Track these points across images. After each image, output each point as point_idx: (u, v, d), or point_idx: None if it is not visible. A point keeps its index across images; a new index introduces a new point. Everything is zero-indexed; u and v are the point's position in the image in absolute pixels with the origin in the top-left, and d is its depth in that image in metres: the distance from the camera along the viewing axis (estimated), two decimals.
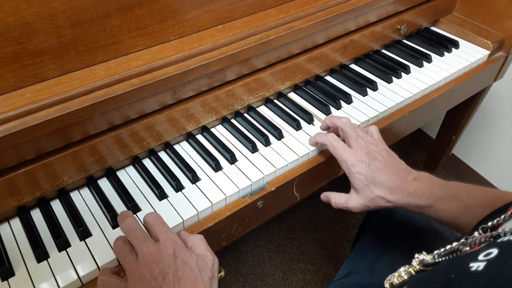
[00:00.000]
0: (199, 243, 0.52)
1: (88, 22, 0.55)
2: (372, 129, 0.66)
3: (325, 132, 0.71)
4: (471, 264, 0.31)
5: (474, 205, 0.56)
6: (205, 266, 0.48)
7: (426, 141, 1.57)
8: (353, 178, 0.60)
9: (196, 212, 0.59)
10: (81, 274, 0.52)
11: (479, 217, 0.54)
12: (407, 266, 0.44)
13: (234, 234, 0.64)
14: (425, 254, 0.43)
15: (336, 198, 0.65)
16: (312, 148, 0.69)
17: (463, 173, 1.49)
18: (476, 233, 0.40)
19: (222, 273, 0.72)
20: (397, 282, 0.45)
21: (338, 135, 0.66)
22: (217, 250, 0.55)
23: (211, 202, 0.60)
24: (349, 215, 1.42)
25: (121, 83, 0.56)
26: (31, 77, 0.53)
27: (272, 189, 0.64)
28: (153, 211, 0.59)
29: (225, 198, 0.61)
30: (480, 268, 0.30)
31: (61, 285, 0.51)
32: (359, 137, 0.63)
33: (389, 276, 0.44)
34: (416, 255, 0.44)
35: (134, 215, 0.57)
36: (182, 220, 0.58)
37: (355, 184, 0.61)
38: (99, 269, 0.53)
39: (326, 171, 0.71)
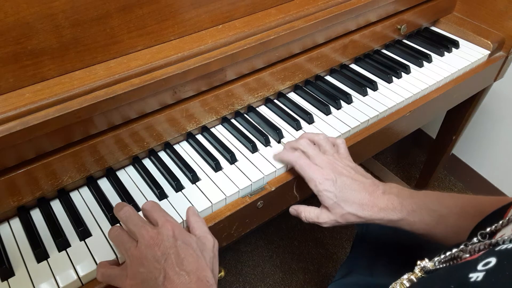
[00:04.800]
0: (199, 226, 0.53)
1: (88, 22, 0.55)
2: (339, 142, 0.65)
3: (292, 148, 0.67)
4: (471, 275, 0.31)
5: (447, 214, 0.55)
6: (205, 247, 0.49)
7: (426, 141, 1.57)
8: (321, 196, 0.59)
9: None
10: (81, 274, 0.52)
11: (453, 226, 0.54)
12: (410, 273, 0.44)
13: (234, 234, 0.64)
14: (427, 261, 0.43)
15: (306, 213, 0.62)
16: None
17: (463, 173, 1.49)
18: (475, 239, 0.40)
19: (222, 273, 0.72)
20: None
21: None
22: None
23: (211, 202, 0.60)
24: None
25: (121, 83, 0.56)
26: (31, 77, 0.53)
27: (272, 189, 0.64)
28: None
29: (225, 198, 0.61)
30: (479, 279, 0.30)
31: (61, 285, 0.50)
32: (323, 153, 0.62)
33: (392, 284, 0.44)
34: (418, 262, 0.44)
35: None
36: (182, 220, 0.58)
37: (324, 202, 0.59)
38: None
39: None
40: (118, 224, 0.57)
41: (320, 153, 0.62)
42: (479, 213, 0.51)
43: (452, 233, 0.55)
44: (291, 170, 0.67)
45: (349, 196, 0.58)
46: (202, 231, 0.52)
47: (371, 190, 0.58)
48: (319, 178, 0.59)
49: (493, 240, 0.36)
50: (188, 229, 0.54)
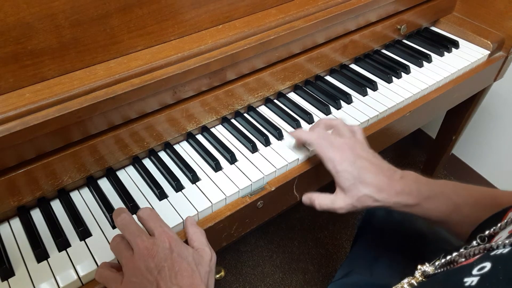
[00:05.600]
0: (198, 237, 0.52)
1: (88, 22, 0.55)
2: (356, 128, 0.65)
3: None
4: (465, 280, 0.31)
5: (462, 204, 0.55)
6: (202, 261, 0.48)
7: (426, 141, 1.57)
8: (339, 177, 0.58)
9: (196, 212, 0.59)
10: (81, 274, 0.52)
11: (468, 216, 0.54)
12: (410, 277, 0.44)
13: (234, 234, 0.64)
14: (427, 265, 0.43)
15: (321, 200, 0.61)
16: (312, 148, 0.69)
17: (463, 173, 1.49)
18: (474, 242, 0.40)
19: (222, 273, 0.73)
20: None
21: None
22: (217, 250, 0.55)
23: (211, 202, 0.60)
24: (349, 215, 1.42)
25: (121, 83, 0.56)
26: (31, 77, 0.53)
27: (272, 189, 0.64)
28: None
29: (225, 198, 0.61)
30: (473, 284, 0.30)
31: (61, 285, 0.51)
32: (342, 136, 0.62)
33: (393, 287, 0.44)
34: (419, 266, 0.43)
35: (134, 215, 0.57)
36: (182, 220, 0.58)
37: (341, 183, 0.59)
38: None
39: (326, 171, 0.71)
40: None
41: (338, 137, 0.62)
42: (496, 205, 0.51)
43: (467, 223, 0.54)
44: (291, 170, 0.67)
45: (367, 178, 0.57)
46: (200, 243, 0.51)
47: (389, 174, 0.58)
48: (338, 158, 0.59)
49: (488, 245, 0.36)
50: (186, 239, 0.53)
